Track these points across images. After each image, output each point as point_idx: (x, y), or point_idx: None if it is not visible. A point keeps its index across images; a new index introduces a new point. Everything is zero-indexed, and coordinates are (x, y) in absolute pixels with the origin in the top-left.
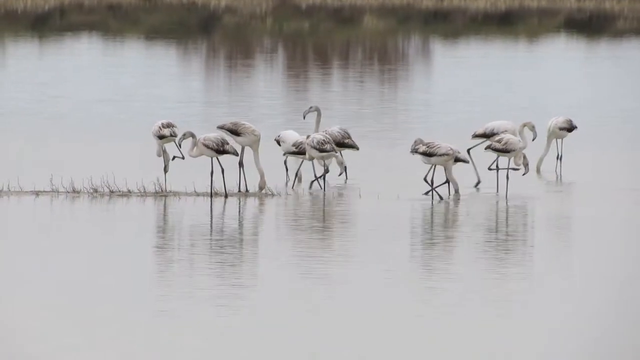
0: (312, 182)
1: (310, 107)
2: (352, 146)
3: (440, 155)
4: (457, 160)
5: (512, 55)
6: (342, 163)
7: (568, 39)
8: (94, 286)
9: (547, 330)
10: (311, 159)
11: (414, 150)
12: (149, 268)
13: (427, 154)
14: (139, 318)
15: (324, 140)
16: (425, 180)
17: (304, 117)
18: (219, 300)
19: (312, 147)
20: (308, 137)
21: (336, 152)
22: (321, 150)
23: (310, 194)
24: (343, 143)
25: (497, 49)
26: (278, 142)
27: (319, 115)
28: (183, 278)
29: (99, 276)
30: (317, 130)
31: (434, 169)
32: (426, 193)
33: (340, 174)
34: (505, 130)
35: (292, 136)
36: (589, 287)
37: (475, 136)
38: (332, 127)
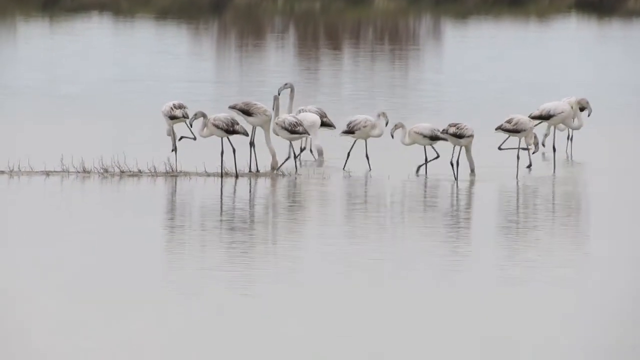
0: (318, 162)
1: (285, 84)
2: (330, 125)
3: (468, 136)
4: (323, 124)
5: (522, 36)
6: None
7: (579, 19)
8: (104, 266)
9: (558, 314)
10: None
11: (444, 131)
12: (159, 248)
13: (457, 136)
14: (148, 298)
15: (295, 122)
16: (451, 163)
17: (279, 94)
18: (229, 282)
19: (282, 127)
20: (274, 99)
21: (308, 134)
22: (292, 132)
23: (323, 175)
24: (321, 122)
25: (508, 29)
26: None
27: (292, 92)
28: (193, 259)
29: (109, 256)
30: (290, 108)
31: (460, 150)
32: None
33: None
34: (562, 112)
35: (310, 117)
36: (600, 271)
37: (532, 118)
38: (309, 106)
